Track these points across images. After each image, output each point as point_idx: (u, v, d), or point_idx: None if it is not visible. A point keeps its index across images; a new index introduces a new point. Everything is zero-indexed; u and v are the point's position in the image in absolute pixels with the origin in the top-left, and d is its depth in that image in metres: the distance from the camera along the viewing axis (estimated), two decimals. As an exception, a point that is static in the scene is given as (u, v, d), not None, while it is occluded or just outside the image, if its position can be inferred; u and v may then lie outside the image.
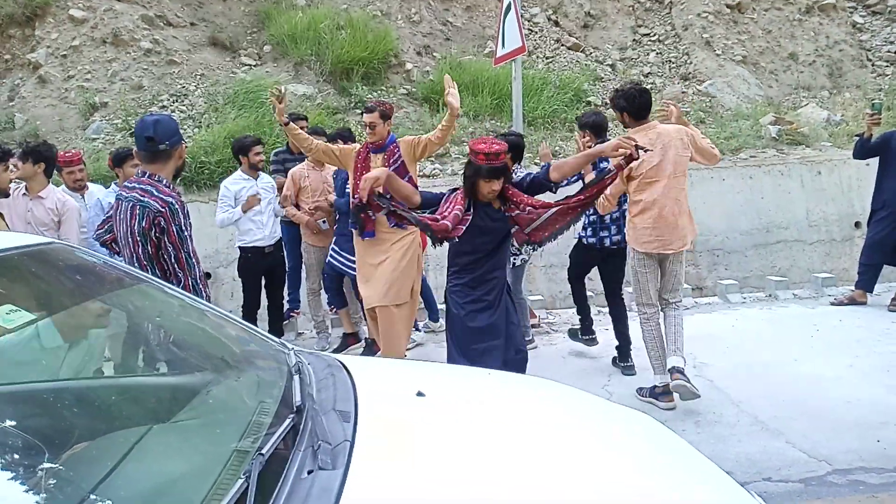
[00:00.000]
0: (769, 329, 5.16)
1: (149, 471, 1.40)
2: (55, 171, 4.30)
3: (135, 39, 8.02)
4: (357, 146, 4.30)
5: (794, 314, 5.54)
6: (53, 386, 1.70)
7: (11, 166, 3.77)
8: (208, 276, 3.98)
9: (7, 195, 3.34)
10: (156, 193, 2.57)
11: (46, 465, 1.24)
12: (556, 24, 10.23)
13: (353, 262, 4.39)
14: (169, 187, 2.65)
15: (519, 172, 4.31)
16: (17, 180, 4.06)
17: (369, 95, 8.19)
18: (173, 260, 2.63)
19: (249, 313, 4.92)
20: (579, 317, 4.76)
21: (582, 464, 1.61)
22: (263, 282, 5.03)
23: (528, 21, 9.88)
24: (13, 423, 1.38)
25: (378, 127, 4.07)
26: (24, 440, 1.34)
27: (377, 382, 2.05)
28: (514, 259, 4.64)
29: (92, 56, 7.90)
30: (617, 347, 4.44)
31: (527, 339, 4.57)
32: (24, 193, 4.00)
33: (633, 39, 10.24)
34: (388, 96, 8.34)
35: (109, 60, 7.88)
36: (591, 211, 4.22)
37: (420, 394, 1.87)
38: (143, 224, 2.55)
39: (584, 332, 4.73)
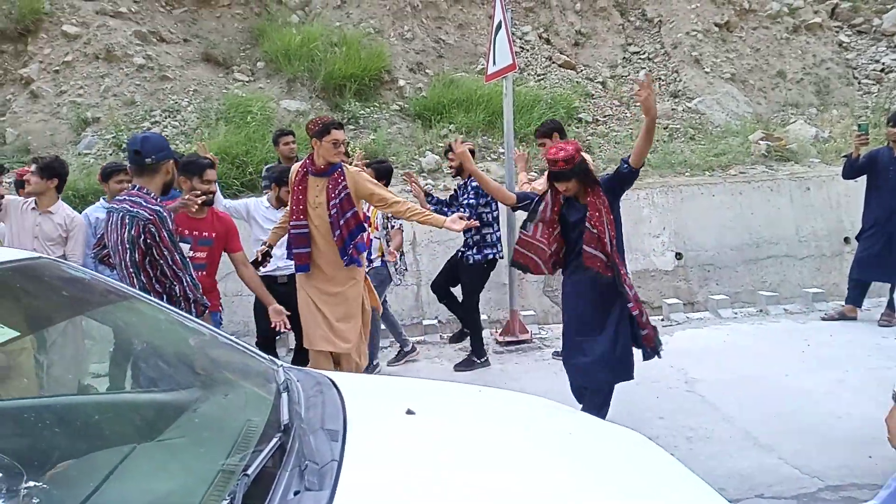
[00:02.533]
0: (760, 344, 5.17)
1: (133, 490, 1.37)
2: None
3: (128, 55, 8.04)
4: (296, 165, 3.87)
5: (785, 329, 5.55)
6: (35, 403, 1.68)
7: (5, 182, 3.77)
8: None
9: None
10: (144, 204, 2.77)
11: (28, 484, 1.22)
12: (548, 41, 10.33)
13: None
14: (157, 199, 2.84)
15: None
16: (26, 194, 4.11)
17: (362, 111, 8.23)
18: (171, 262, 2.83)
19: (267, 348, 4.43)
20: (474, 341, 5.00)
21: (570, 485, 1.59)
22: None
23: (520, 39, 9.97)
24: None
25: (342, 147, 3.70)
26: (3, 460, 1.32)
27: (367, 400, 2.03)
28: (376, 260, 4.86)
29: (84, 71, 7.90)
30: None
31: (373, 362, 4.79)
32: (34, 208, 4.00)
33: (624, 57, 10.35)
34: (380, 112, 8.38)
35: (102, 76, 7.88)
36: (474, 231, 4.71)
37: (410, 412, 1.86)
38: (133, 232, 2.72)
39: (480, 354, 4.99)
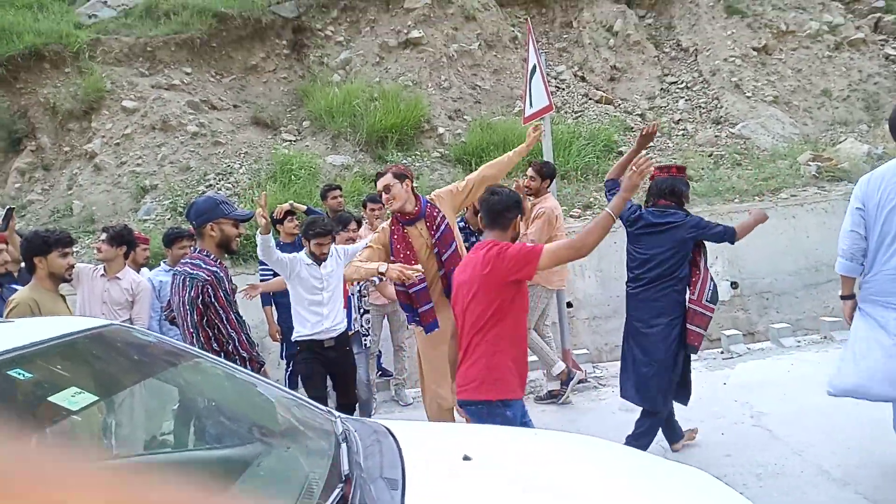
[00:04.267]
0: (827, 372, 4.93)
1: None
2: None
3: (182, 124, 8.52)
4: (384, 225, 3.66)
5: (854, 356, 5.29)
6: (113, 464, 1.77)
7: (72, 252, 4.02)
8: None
9: (67, 280, 3.54)
10: (203, 266, 2.94)
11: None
12: (583, 79, 10.44)
13: None
14: (215, 261, 3.00)
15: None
16: (97, 262, 4.37)
17: (404, 160, 8.45)
18: (225, 322, 2.96)
19: None
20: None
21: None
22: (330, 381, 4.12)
23: (555, 79, 10.12)
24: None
25: (395, 188, 3.45)
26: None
27: (423, 447, 2.05)
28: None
29: (142, 142, 8.41)
30: None
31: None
32: (103, 274, 4.24)
33: (661, 88, 10.35)
34: (421, 160, 8.58)
35: (159, 145, 8.37)
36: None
37: (466, 458, 1.87)
38: (192, 293, 2.87)
39: None
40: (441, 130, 9.03)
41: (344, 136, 8.71)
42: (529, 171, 5.04)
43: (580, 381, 5.21)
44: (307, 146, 8.66)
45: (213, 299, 2.92)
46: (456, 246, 3.53)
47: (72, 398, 1.53)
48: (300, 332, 3.88)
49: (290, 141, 8.86)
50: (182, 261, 3.11)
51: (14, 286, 3.76)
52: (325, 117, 8.78)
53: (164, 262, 4.83)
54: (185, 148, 8.35)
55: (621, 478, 1.97)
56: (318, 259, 3.83)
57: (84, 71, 8.83)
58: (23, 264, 3.70)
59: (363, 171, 8.21)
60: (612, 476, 1.98)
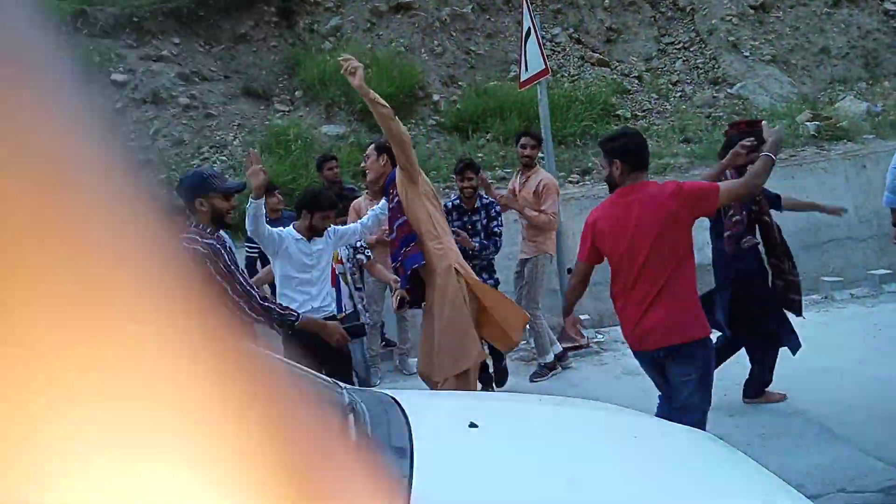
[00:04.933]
0: (828, 332, 4.97)
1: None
2: None
3: (173, 97, 8.39)
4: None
5: (854, 314, 5.33)
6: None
7: None
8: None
9: None
10: (199, 240, 2.88)
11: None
12: (579, 41, 10.27)
13: None
14: (211, 234, 2.95)
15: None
16: None
17: (399, 129, 8.35)
18: (230, 293, 2.90)
19: None
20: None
21: (646, 492, 1.57)
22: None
23: (550, 41, 9.95)
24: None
25: (370, 160, 3.60)
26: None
27: (429, 416, 2.06)
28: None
29: (134, 116, 8.28)
30: None
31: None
32: None
33: (658, 49, 10.19)
34: (417, 128, 8.47)
35: (151, 119, 8.24)
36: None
37: (473, 425, 1.88)
38: None
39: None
40: (436, 97, 8.91)
41: (338, 105, 8.59)
42: (527, 140, 4.82)
43: (582, 347, 5.24)
44: (301, 116, 8.54)
45: (213, 273, 2.88)
46: (406, 220, 3.49)
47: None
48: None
49: (284, 111, 8.74)
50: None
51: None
52: (318, 86, 8.64)
53: None
54: (177, 121, 8.23)
55: (626, 441, 1.98)
56: (313, 234, 3.62)
57: (70, 45, 8.63)
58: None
59: (359, 140, 8.11)
60: (616, 440, 1.99)
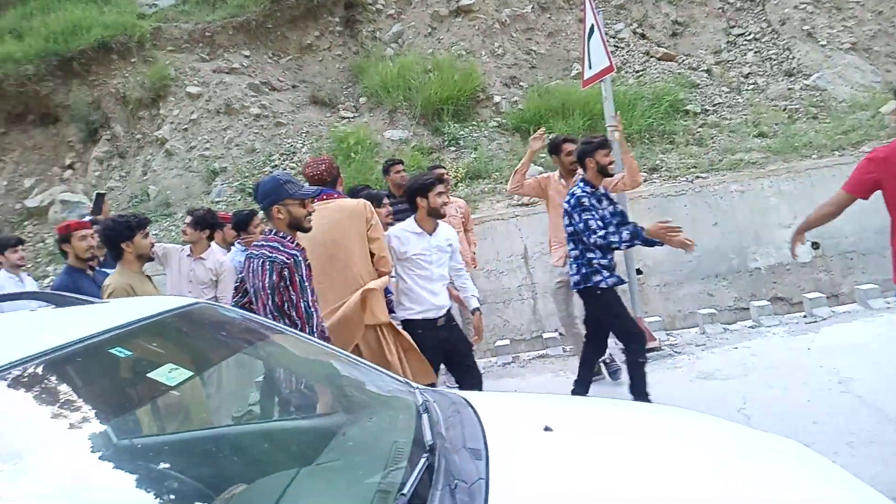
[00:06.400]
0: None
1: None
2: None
3: (244, 107, 8.73)
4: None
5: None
6: (209, 434, 1.85)
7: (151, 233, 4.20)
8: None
9: (151, 259, 3.70)
10: (281, 248, 2.82)
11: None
12: (643, 36, 10.03)
13: None
14: (293, 242, 2.88)
15: None
16: (184, 243, 4.59)
17: (461, 132, 8.38)
18: (293, 308, 2.81)
19: None
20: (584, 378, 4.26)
21: (724, 498, 1.52)
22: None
23: (613, 38, 9.76)
24: (183, 468, 1.52)
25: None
26: (193, 485, 1.48)
27: (502, 418, 2.05)
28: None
29: (209, 126, 8.67)
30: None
31: None
32: (189, 255, 4.42)
33: (728, 41, 9.82)
34: (479, 130, 8.49)
35: (224, 129, 8.60)
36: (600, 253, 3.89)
37: (547, 428, 1.86)
38: (274, 277, 2.75)
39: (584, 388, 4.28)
40: (497, 99, 8.90)
41: (400, 110, 8.71)
42: (571, 146, 4.57)
43: (654, 350, 5.10)
44: (365, 122, 8.71)
45: (288, 283, 2.81)
46: None
47: (168, 374, 1.60)
48: (412, 309, 3.54)
49: (348, 118, 8.94)
50: (257, 242, 2.98)
51: (105, 270, 3.96)
52: (380, 93, 8.80)
53: (238, 243, 4.97)
54: (249, 130, 8.56)
55: (708, 447, 1.91)
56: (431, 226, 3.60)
57: (149, 60, 9.14)
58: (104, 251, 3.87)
59: (421, 144, 8.21)
60: (698, 446, 1.93)
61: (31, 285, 4.88)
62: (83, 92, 9.25)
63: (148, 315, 1.80)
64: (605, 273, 3.94)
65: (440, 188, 3.54)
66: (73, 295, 2.15)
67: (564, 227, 4.06)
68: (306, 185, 3.12)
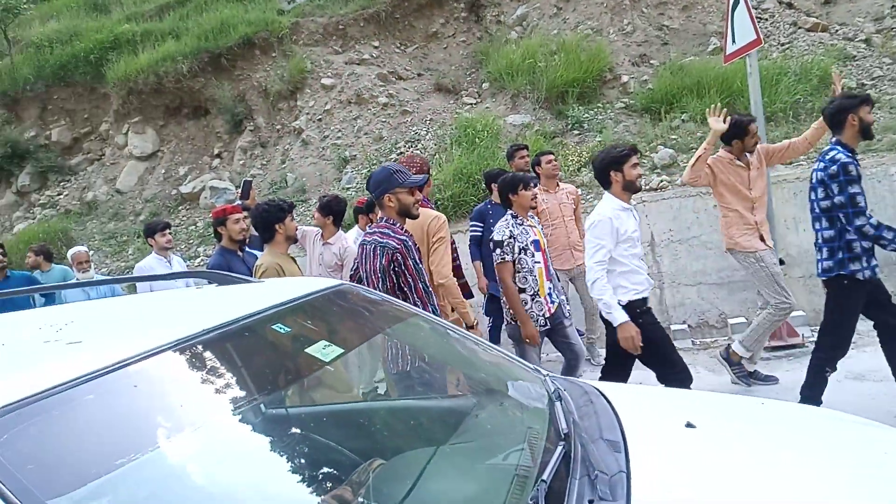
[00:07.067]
0: None
1: (444, 489, 1.54)
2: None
3: (373, 96, 9.06)
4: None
5: None
6: (357, 407, 1.98)
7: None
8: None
9: (296, 241, 3.98)
10: (392, 234, 2.98)
11: (357, 478, 1.45)
12: (790, 6, 9.17)
13: None
14: (402, 229, 3.04)
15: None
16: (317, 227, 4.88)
17: (585, 115, 8.16)
18: (413, 291, 2.97)
19: None
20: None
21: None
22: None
23: (756, 9, 9.01)
24: (333, 438, 1.64)
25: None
26: (345, 454, 1.59)
27: (639, 411, 2.00)
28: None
29: (341, 116, 9.10)
30: None
31: None
32: (320, 239, 4.72)
33: (893, 5, 8.74)
34: (605, 112, 8.22)
35: (355, 118, 8.99)
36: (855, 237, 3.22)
37: (690, 425, 1.79)
38: (384, 261, 2.93)
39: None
40: (625, 78, 8.54)
41: (523, 94, 8.63)
42: (756, 127, 4.18)
43: (796, 346, 4.74)
44: (487, 108, 8.73)
45: (402, 267, 2.95)
46: None
47: (323, 350, 1.73)
48: (634, 289, 3.23)
49: (471, 104, 9.00)
50: (369, 229, 3.17)
51: (253, 251, 4.31)
52: (504, 77, 8.75)
53: (357, 228, 5.22)
54: (377, 119, 8.88)
55: (855, 449, 1.76)
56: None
57: (288, 54, 9.73)
58: (253, 232, 4.19)
59: (543, 128, 8.09)
60: (845, 448, 1.78)
61: (178, 265, 5.28)
62: (229, 86, 10.05)
63: (302, 294, 1.95)
64: (865, 262, 3.29)
65: (635, 159, 3.20)
66: (232, 274, 2.38)
67: (812, 202, 3.42)
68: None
